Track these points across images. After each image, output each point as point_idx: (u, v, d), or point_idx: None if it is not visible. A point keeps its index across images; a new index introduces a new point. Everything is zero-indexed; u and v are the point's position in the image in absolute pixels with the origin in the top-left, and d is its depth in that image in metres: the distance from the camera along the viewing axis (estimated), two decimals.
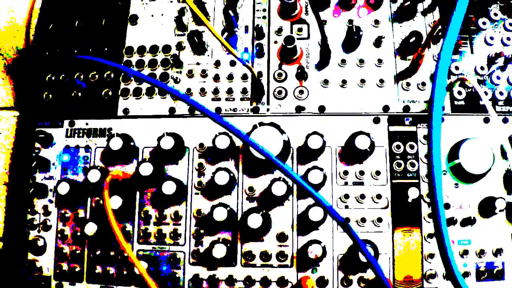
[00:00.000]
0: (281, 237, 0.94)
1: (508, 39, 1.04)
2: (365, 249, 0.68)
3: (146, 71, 1.05)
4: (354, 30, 0.98)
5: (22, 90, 1.14)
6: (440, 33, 1.04)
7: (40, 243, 0.99)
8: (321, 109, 1.00)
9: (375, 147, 0.96)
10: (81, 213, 0.99)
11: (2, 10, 1.16)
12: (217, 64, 1.04)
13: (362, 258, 0.86)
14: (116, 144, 0.96)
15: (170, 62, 1.05)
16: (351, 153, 0.96)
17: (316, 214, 0.90)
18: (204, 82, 1.04)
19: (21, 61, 1.16)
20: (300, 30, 1.05)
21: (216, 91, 1.02)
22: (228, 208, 0.93)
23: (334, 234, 0.94)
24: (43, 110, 1.06)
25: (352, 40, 1.01)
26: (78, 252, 0.98)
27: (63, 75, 1.06)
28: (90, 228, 0.93)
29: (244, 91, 1.02)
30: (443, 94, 0.59)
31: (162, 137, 0.95)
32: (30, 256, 0.99)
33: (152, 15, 1.10)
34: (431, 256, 0.93)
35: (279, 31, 1.06)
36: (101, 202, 0.99)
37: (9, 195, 1.07)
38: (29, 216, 1.01)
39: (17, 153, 1.09)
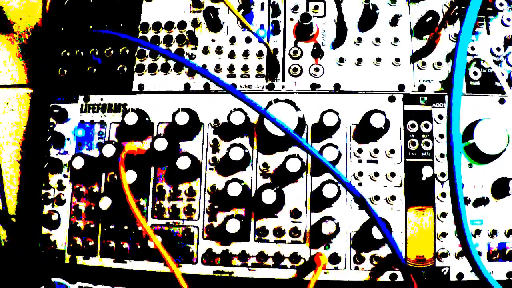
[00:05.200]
0: (295, 214, 0.95)
1: None
2: (381, 224, 0.68)
3: (161, 47, 1.05)
4: (371, 8, 0.98)
5: (37, 66, 1.15)
6: (456, 13, 1.03)
7: (54, 217, 0.99)
8: (337, 87, 1.00)
9: (389, 125, 0.96)
10: (95, 188, 1.00)
11: None
12: (233, 40, 1.04)
13: (377, 234, 0.86)
14: (131, 119, 0.96)
15: (186, 38, 1.04)
16: (366, 131, 0.96)
17: (330, 190, 0.90)
18: (220, 58, 1.03)
19: (37, 38, 1.16)
20: (316, 8, 1.05)
21: (231, 68, 1.02)
22: (242, 184, 0.93)
23: (347, 211, 0.95)
24: (58, 86, 1.06)
25: (368, 18, 1.00)
26: (92, 226, 0.99)
27: (78, 50, 1.06)
28: (105, 203, 0.94)
29: (259, 68, 1.02)
30: (463, 70, 0.59)
31: (177, 113, 0.95)
32: (44, 230, 1.00)
33: None
34: (444, 235, 0.93)
35: (295, 8, 1.05)
36: (115, 177, 0.99)
37: (23, 170, 1.08)
38: (44, 191, 1.01)
39: (32, 128, 1.10)
